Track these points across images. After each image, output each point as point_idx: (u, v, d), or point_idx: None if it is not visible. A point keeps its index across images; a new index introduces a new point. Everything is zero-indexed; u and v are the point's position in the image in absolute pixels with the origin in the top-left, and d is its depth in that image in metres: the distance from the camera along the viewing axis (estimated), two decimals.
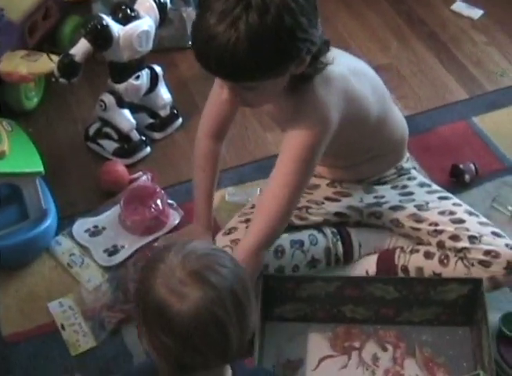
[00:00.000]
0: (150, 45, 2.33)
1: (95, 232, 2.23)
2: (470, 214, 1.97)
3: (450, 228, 1.92)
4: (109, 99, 2.34)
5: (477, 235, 1.89)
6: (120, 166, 2.36)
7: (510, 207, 2.24)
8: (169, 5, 2.40)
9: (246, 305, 1.31)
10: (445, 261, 1.91)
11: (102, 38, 2.21)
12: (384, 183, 2.08)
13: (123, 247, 2.17)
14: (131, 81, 2.34)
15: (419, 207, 2.00)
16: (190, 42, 1.64)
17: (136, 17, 2.29)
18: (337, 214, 2.06)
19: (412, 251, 1.99)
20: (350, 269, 2.07)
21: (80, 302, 2.05)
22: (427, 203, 2.00)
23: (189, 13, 2.76)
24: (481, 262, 1.86)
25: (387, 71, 2.69)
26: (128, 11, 2.28)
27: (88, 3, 2.70)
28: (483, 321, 1.81)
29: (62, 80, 2.21)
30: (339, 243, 2.05)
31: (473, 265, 1.87)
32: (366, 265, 2.05)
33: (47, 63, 2.38)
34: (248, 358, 1.74)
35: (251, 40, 1.49)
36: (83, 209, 2.29)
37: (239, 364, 1.45)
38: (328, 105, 1.71)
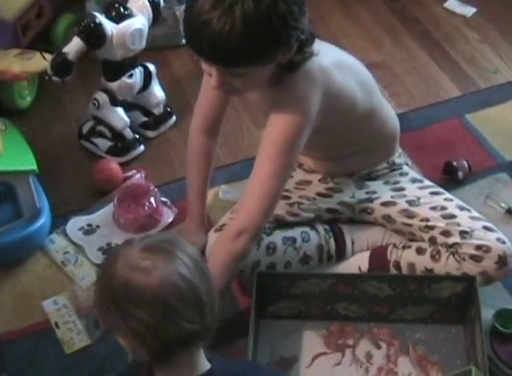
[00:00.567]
0: (143, 44, 2.33)
1: (89, 230, 2.23)
2: (462, 209, 1.97)
3: (441, 223, 1.93)
4: (102, 97, 2.34)
5: (468, 230, 1.89)
6: (113, 164, 2.36)
7: (503, 204, 2.25)
8: (162, 3, 2.40)
9: (209, 276, 1.37)
10: (437, 256, 1.92)
11: (95, 37, 2.21)
12: (376, 178, 2.09)
13: (117, 245, 2.17)
14: (125, 79, 2.34)
15: (410, 202, 2.00)
16: (182, 27, 1.65)
17: (129, 15, 2.29)
18: (328, 210, 2.07)
19: (404, 247, 1.99)
20: (342, 265, 2.07)
21: (74, 300, 2.06)
22: (419, 198, 2.01)
23: (183, 12, 2.76)
24: (473, 257, 1.86)
25: (380, 69, 2.71)
26: (122, 9, 2.29)
27: (81, 1, 2.71)
28: (476, 319, 1.81)
29: (55, 78, 2.21)
30: (331, 240, 2.05)
31: (464, 259, 1.87)
32: (359, 262, 2.05)
33: (40, 61, 2.38)
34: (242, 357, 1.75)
35: (246, 26, 1.51)
36: (77, 207, 2.29)
37: (216, 357, 1.46)
38: (308, 97, 1.73)
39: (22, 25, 2.53)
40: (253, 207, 1.77)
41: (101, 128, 2.41)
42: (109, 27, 2.22)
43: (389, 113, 2.07)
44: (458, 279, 1.87)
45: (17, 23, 2.51)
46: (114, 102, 2.36)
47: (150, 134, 2.51)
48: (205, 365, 1.43)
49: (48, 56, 2.31)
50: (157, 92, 2.48)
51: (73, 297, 2.06)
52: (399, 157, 2.13)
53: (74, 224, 2.24)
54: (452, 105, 2.61)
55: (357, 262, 2.06)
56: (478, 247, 1.86)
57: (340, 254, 2.07)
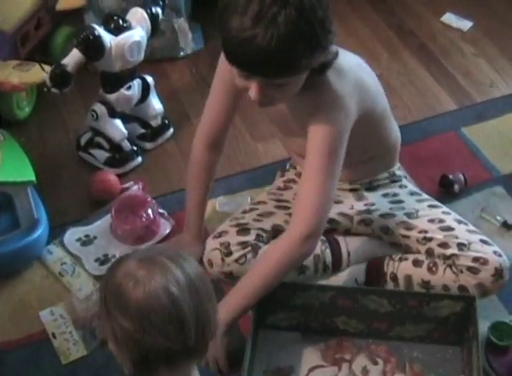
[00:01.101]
0: (142, 56, 2.34)
1: (86, 241, 2.24)
2: (459, 222, 1.98)
3: (439, 235, 1.94)
4: (100, 109, 2.35)
5: (465, 242, 1.90)
6: (111, 175, 2.36)
7: (498, 217, 2.26)
8: (161, 15, 2.41)
9: (204, 297, 1.35)
10: (434, 268, 1.92)
11: (94, 49, 2.22)
12: (376, 188, 2.10)
13: (114, 256, 2.17)
14: (123, 91, 2.35)
15: (409, 215, 2.01)
16: (222, 46, 1.63)
17: (128, 28, 2.30)
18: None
19: (401, 259, 2.00)
20: (338, 277, 2.07)
21: (71, 311, 2.06)
22: (417, 211, 2.02)
23: (181, 24, 2.78)
24: (470, 269, 1.87)
25: None
26: (120, 21, 2.30)
27: (80, 13, 2.71)
28: (474, 338, 1.80)
29: (54, 90, 2.21)
30: (328, 250, 2.05)
31: (461, 271, 1.88)
32: (356, 274, 2.06)
33: (39, 72, 2.39)
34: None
35: (291, 35, 1.54)
36: (74, 218, 2.30)
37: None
38: (345, 95, 1.76)
39: (21, 36, 2.54)
40: (316, 210, 1.78)
41: (99, 139, 2.41)
42: (107, 39, 2.23)
43: (393, 121, 2.09)
44: (457, 298, 1.87)
45: (16, 35, 2.52)
46: (112, 113, 2.36)
47: (148, 146, 2.52)
48: None
49: (47, 68, 2.31)
50: (155, 104, 2.49)
51: (70, 307, 2.06)
52: (399, 169, 2.15)
53: (72, 235, 2.24)
54: (448, 118, 2.62)
55: (354, 274, 2.06)
56: (476, 260, 1.87)
57: (336, 265, 2.07)
